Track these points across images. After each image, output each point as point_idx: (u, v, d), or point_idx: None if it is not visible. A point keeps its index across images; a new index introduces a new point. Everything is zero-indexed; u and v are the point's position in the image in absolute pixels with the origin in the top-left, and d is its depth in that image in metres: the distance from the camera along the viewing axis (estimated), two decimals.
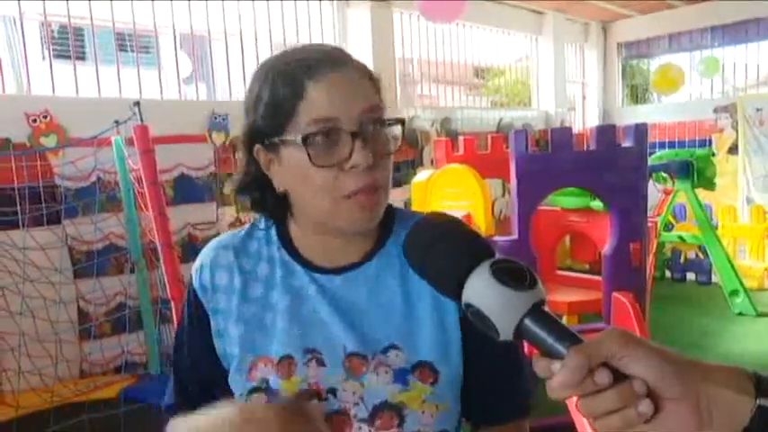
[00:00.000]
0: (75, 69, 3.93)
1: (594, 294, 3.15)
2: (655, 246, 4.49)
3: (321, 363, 0.75)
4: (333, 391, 0.74)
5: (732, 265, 5.01)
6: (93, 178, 3.71)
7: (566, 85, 7.38)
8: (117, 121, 3.14)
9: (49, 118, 3.63)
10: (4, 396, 3.34)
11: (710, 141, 6.60)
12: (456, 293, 0.55)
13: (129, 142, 2.93)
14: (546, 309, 0.53)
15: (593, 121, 7.70)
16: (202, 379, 0.84)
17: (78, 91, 3.98)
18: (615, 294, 2.79)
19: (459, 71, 6.55)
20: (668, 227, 5.68)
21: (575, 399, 0.49)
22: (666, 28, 7.19)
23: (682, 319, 4.76)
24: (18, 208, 3.45)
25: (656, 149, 5.78)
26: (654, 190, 4.89)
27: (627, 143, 2.86)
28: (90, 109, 3.72)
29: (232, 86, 4.79)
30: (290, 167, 0.74)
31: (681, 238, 5.49)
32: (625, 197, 2.83)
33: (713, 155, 5.55)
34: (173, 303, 2.54)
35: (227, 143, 4.40)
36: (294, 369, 0.75)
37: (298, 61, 0.73)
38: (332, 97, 0.71)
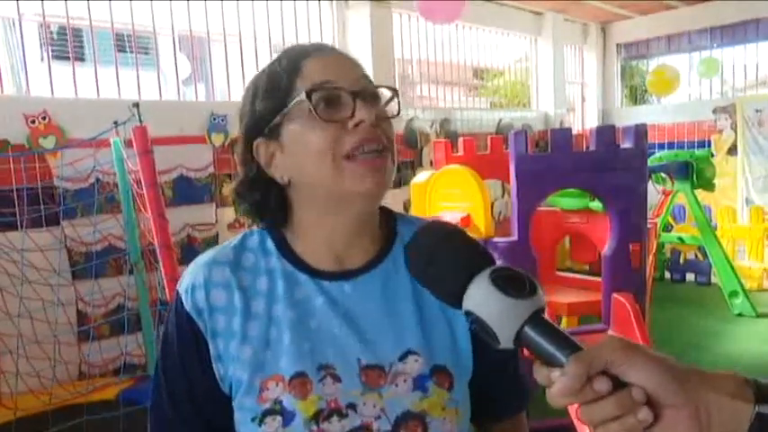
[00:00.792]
0: (73, 70, 3.93)
1: (594, 295, 3.15)
2: (654, 247, 4.49)
3: (337, 378, 0.72)
4: (353, 407, 0.71)
5: (731, 266, 5.01)
6: (92, 179, 3.71)
7: (565, 86, 7.39)
8: (116, 123, 3.13)
9: (47, 119, 3.63)
10: (3, 398, 3.33)
11: (710, 142, 6.60)
12: (457, 302, 0.55)
13: (128, 143, 2.93)
14: (546, 316, 0.53)
15: (593, 121, 7.70)
16: (201, 409, 0.77)
17: (77, 92, 3.97)
18: (615, 295, 2.79)
19: (458, 72, 6.55)
20: (668, 228, 5.68)
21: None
22: (665, 29, 7.19)
23: (681, 320, 4.76)
24: (16, 209, 3.45)
25: (656, 150, 5.78)
26: (653, 191, 4.88)
27: (626, 144, 2.86)
28: (89, 110, 3.71)
29: (231, 88, 4.79)
30: (292, 142, 0.73)
31: (680, 239, 5.49)
32: (624, 198, 2.83)
33: (712, 156, 5.55)
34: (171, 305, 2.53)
35: (226, 144, 4.40)
36: (310, 387, 0.71)
37: (296, 50, 0.78)
38: (327, 66, 0.74)
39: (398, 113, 0.77)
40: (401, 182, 5.35)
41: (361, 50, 5.17)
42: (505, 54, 7.01)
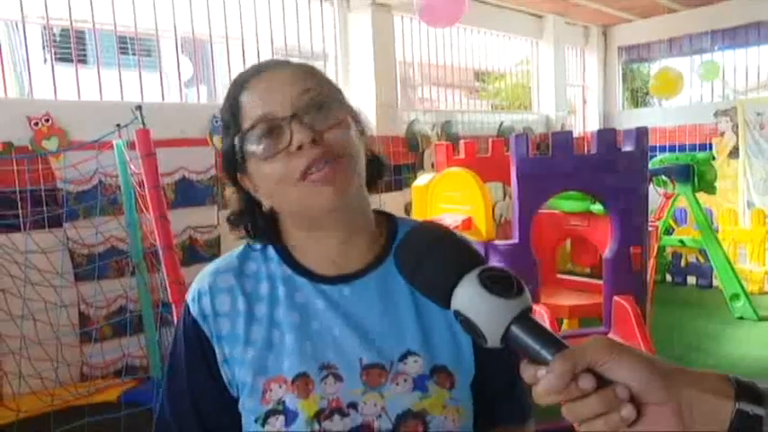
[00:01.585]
0: (76, 73, 3.94)
1: (595, 298, 3.15)
2: (655, 250, 4.49)
3: (338, 378, 0.74)
4: (354, 406, 0.73)
5: (733, 269, 5.01)
6: (95, 182, 3.72)
7: (566, 89, 7.39)
8: (118, 125, 3.14)
9: (50, 121, 3.64)
10: (5, 399, 3.33)
11: (711, 145, 6.60)
12: (446, 302, 0.56)
13: (131, 146, 2.93)
14: (533, 316, 0.54)
15: (594, 124, 7.70)
16: (204, 415, 0.79)
17: (80, 94, 3.98)
18: (616, 298, 2.79)
19: (459, 75, 6.56)
20: (669, 231, 5.68)
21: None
22: (667, 32, 7.20)
23: (682, 323, 4.76)
24: (20, 211, 3.45)
25: (657, 153, 5.79)
26: (654, 194, 4.88)
27: (627, 147, 2.87)
28: (91, 112, 3.72)
29: None
30: (257, 177, 0.76)
31: (681, 241, 5.49)
32: (626, 201, 2.84)
33: (713, 159, 5.55)
34: (173, 307, 2.53)
35: None
36: (312, 387, 0.73)
37: (236, 80, 0.78)
38: (260, 95, 0.74)
39: (344, 117, 0.75)
40: (402, 184, 5.36)
41: (362, 53, 5.18)
42: (507, 57, 7.02)
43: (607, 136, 2.85)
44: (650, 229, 3.23)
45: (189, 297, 0.81)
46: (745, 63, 6.86)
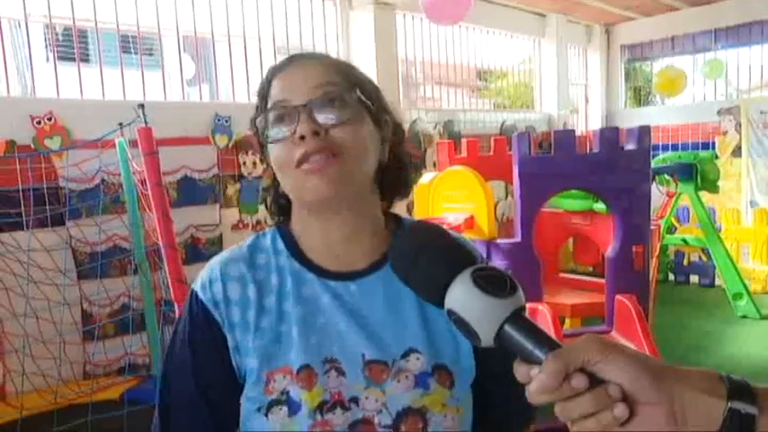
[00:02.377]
0: (79, 71, 3.95)
1: (597, 297, 3.15)
2: (658, 248, 4.48)
3: (341, 372, 0.75)
4: (355, 400, 0.74)
5: (735, 268, 5.00)
6: (97, 180, 3.72)
7: (569, 88, 7.38)
8: (121, 124, 3.15)
9: (53, 120, 3.65)
10: (8, 397, 3.35)
11: (714, 144, 6.58)
12: (439, 301, 0.56)
13: (133, 144, 2.94)
14: (526, 315, 0.54)
15: (596, 123, 7.69)
16: (212, 401, 0.78)
17: (82, 93, 3.99)
18: (618, 297, 2.79)
19: (461, 73, 6.55)
20: (671, 229, 5.67)
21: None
22: (670, 30, 7.18)
23: (685, 322, 4.75)
24: (22, 210, 3.47)
25: (660, 152, 5.78)
26: (657, 192, 4.88)
27: (630, 145, 2.86)
28: (94, 111, 3.73)
29: (235, 89, 4.80)
30: (269, 158, 0.80)
31: (684, 240, 5.48)
32: (628, 200, 2.83)
33: (716, 157, 5.54)
34: (176, 305, 2.54)
35: (230, 145, 4.41)
36: (315, 379, 0.74)
37: (270, 69, 0.83)
38: (284, 83, 0.78)
39: (355, 116, 0.76)
40: None
41: (364, 51, 5.18)
42: (509, 55, 7.01)
43: (610, 135, 2.84)
44: (653, 227, 3.23)
45: (197, 285, 0.81)
46: (749, 61, 6.84)
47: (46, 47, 4.91)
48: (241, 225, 4.46)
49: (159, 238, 2.57)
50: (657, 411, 0.48)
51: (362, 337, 0.76)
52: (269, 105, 0.78)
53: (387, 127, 0.83)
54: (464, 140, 3.70)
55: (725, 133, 6.57)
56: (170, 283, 2.47)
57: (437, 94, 6.37)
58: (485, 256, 2.98)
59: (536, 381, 0.49)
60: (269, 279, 0.80)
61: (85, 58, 4.69)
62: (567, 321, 3.53)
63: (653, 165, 3.80)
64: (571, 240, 4.16)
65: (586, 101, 7.89)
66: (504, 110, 7.06)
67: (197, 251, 4.22)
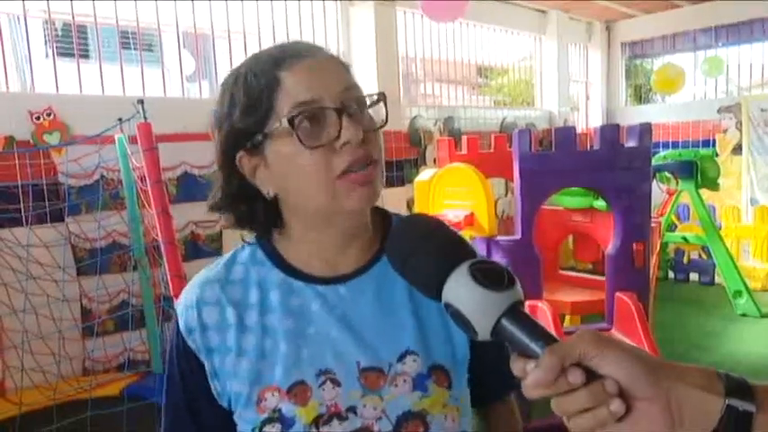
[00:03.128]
0: (78, 67, 3.94)
1: (597, 294, 3.15)
2: (658, 246, 4.48)
3: (336, 383, 0.73)
4: (353, 410, 0.72)
5: (735, 266, 5.00)
6: (97, 176, 3.72)
7: (569, 85, 7.37)
8: (120, 119, 3.14)
9: (52, 115, 3.64)
10: (8, 393, 3.35)
11: (714, 141, 6.58)
12: (436, 294, 0.56)
13: (133, 140, 2.93)
14: (523, 309, 0.54)
15: (597, 120, 7.68)
16: (201, 424, 0.79)
17: (82, 89, 3.98)
18: (618, 294, 2.79)
19: (462, 70, 6.54)
20: (671, 227, 5.67)
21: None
22: (670, 27, 7.16)
23: (684, 320, 4.75)
24: (21, 205, 3.46)
25: (660, 149, 5.77)
26: (657, 190, 4.87)
27: (630, 143, 2.86)
28: (93, 107, 3.72)
29: None
30: (278, 162, 0.72)
31: (684, 238, 5.48)
32: (628, 197, 2.83)
33: (717, 155, 5.53)
34: (175, 301, 2.54)
35: None
36: (309, 394, 0.72)
37: (267, 56, 0.73)
38: (309, 81, 0.70)
39: (386, 122, 0.75)
40: (404, 180, 5.35)
41: (364, 48, 5.16)
42: (510, 52, 7.00)
43: (610, 132, 2.83)
44: (653, 225, 3.22)
45: (178, 309, 0.79)
46: (750, 59, 6.83)
47: (45, 42, 4.90)
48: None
49: (159, 234, 2.56)
50: (654, 407, 0.47)
51: (355, 343, 0.74)
52: (287, 104, 0.69)
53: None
54: (464, 137, 3.69)
55: (725, 131, 6.56)
56: (169, 279, 2.47)
57: (437, 90, 6.36)
58: (485, 253, 2.98)
59: (532, 375, 0.49)
60: (247, 295, 0.77)
61: (85, 54, 4.68)
62: (567, 319, 3.53)
63: (653, 162, 3.80)
64: (571, 238, 4.15)
65: (587, 98, 7.88)
66: (504, 107, 7.05)
67: (197, 248, 4.22)
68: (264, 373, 0.74)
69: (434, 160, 5.07)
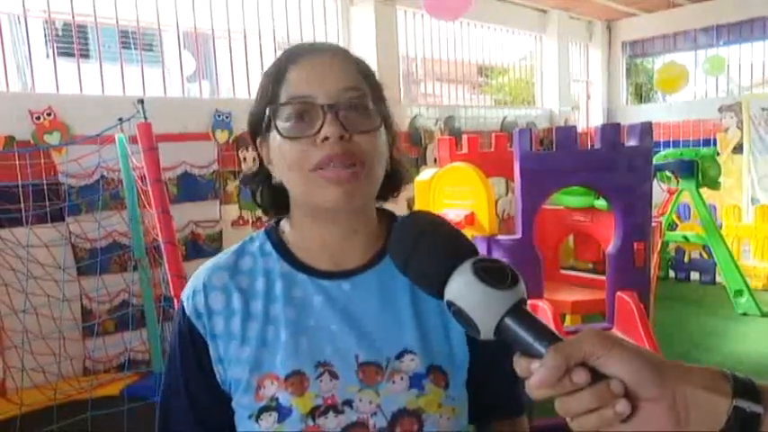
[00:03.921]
0: (78, 67, 3.94)
1: (598, 294, 3.14)
2: (659, 245, 4.47)
3: (334, 375, 0.73)
4: (349, 403, 0.72)
5: (736, 265, 4.99)
6: (97, 176, 3.72)
7: (570, 84, 7.36)
8: (120, 119, 3.14)
9: (52, 115, 3.64)
10: (8, 393, 3.35)
11: (715, 141, 6.57)
12: (439, 292, 0.55)
13: (133, 140, 2.93)
14: (527, 308, 0.53)
15: (598, 119, 7.67)
16: (200, 410, 0.79)
17: (82, 88, 3.98)
18: (619, 294, 2.78)
19: (462, 69, 6.53)
20: (672, 226, 5.66)
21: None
22: (671, 26, 7.16)
23: (685, 319, 4.75)
24: (21, 205, 3.46)
25: (661, 148, 5.76)
26: (658, 189, 4.86)
27: (631, 142, 2.85)
28: (93, 106, 3.72)
29: (235, 85, 4.79)
30: (273, 152, 0.76)
31: (685, 237, 5.47)
32: (629, 196, 2.82)
33: (718, 154, 5.52)
34: (175, 301, 2.54)
35: (231, 141, 4.40)
36: (307, 385, 0.73)
37: (287, 51, 0.78)
38: (308, 76, 0.73)
39: (381, 125, 0.75)
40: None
41: (365, 47, 5.16)
42: (510, 51, 6.99)
43: (611, 131, 2.82)
44: (654, 224, 3.21)
45: (184, 294, 0.80)
46: (750, 58, 6.82)
47: (45, 42, 4.90)
48: (241, 221, 4.46)
49: (159, 234, 2.56)
50: (659, 408, 0.47)
51: (355, 337, 0.75)
52: (284, 96, 0.73)
53: (392, 129, 0.81)
54: (465, 137, 3.69)
55: (726, 130, 6.55)
56: (170, 279, 2.47)
57: (438, 90, 6.36)
58: (485, 252, 2.98)
59: (536, 375, 0.48)
60: (254, 284, 0.78)
61: (85, 54, 4.67)
62: (568, 318, 3.52)
63: (654, 161, 3.79)
64: (572, 237, 4.15)
65: (588, 97, 7.88)
66: (505, 106, 7.04)
67: (197, 247, 4.22)
68: (265, 360, 0.74)
69: (435, 159, 5.06)
